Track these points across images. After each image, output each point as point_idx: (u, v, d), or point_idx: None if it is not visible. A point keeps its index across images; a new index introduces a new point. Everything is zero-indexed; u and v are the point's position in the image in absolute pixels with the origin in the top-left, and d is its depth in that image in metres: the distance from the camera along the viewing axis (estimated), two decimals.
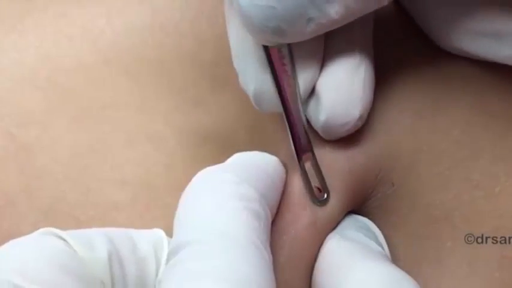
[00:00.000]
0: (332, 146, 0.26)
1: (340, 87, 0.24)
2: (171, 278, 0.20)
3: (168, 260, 0.21)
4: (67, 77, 0.28)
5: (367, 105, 0.25)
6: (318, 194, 0.26)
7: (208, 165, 0.24)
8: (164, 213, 0.26)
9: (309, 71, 0.24)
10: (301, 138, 0.25)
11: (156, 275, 0.23)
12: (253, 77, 0.24)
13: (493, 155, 0.26)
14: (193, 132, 0.27)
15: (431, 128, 0.26)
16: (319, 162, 0.26)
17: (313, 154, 0.25)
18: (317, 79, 0.24)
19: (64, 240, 0.21)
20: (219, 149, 0.27)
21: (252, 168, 0.24)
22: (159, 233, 0.24)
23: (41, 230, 0.22)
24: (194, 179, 0.24)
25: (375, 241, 0.26)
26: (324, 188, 0.26)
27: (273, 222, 0.25)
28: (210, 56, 0.28)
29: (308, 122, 0.25)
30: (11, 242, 0.21)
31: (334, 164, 0.26)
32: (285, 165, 0.26)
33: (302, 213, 0.25)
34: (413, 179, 0.26)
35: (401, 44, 0.27)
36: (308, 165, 0.26)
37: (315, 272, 0.25)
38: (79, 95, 0.27)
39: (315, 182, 0.26)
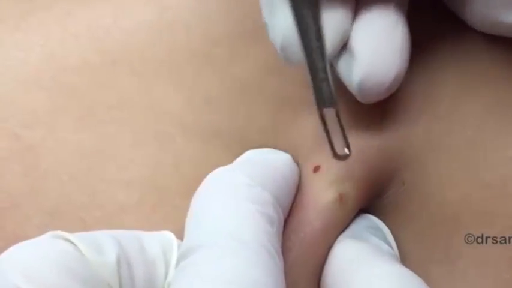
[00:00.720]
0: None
1: (379, 46, 0.22)
2: (181, 281, 0.20)
3: (178, 262, 0.21)
4: (73, 77, 0.27)
5: (404, 66, 0.23)
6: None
7: (218, 166, 0.24)
8: (172, 215, 0.26)
9: (339, 22, 0.22)
10: (323, 91, 0.23)
11: (165, 277, 0.23)
12: (281, 29, 0.23)
13: (505, 156, 0.25)
14: (202, 131, 0.27)
15: (445, 129, 0.26)
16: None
17: (337, 109, 0.23)
18: (349, 32, 0.23)
19: (72, 243, 0.21)
20: (229, 148, 0.27)
21: (266, 169, 0.24)
22: (169, 235, 0.24)
23: (50, 233, 0.22)
24: (206, 180, 0.23)
25: (384, 241, 0.26)
26: (346, 144, 0.24)
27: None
28: (220, 53, 0.27)
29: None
30: (19, 245, 0.21)
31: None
32: (297, 163, 0.26)
33: (313, 213, 0.25)
34: (423, 177, 0.26)
35: (426, 29, 0.26)
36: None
37: (324, 273, 0.25)
38: (85, 95, 0.27)
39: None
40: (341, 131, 0.24)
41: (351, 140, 0.24)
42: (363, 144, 0.26)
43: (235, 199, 0.22)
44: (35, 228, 0.26)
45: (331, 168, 0.26)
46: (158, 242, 0.23)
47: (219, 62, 0.27)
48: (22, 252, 0.21)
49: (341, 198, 0.25)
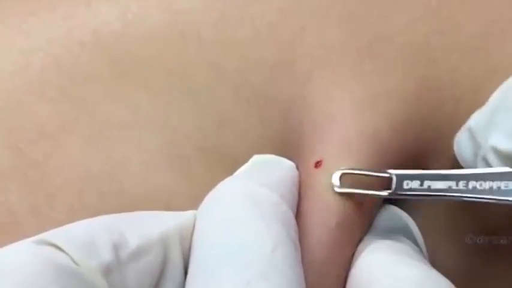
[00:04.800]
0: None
1: None
2: None
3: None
4: (81, 89, 0.25)
5: None
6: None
7: None
8: None
9: None
10: None
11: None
12: None
13: None
14: (218, 153, 0.25)
15: None
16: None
17: None
18: None
19: (61, 249, 0.19)
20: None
21: (287, 183, 0.23)
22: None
23: (34, 238, 0.20)
24: (222, 190, 0.22)
25: (410, 237, 0.25)
26: None
27: None
28: (235, 64, 0.26)
29: None
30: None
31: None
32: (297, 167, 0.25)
33: (324, 211, 0.24)
34: None
35: None
36: None
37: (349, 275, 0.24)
38: (95, 110, 0.25)
39: None
40: None
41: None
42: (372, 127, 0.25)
43: (272, 222, 0.21)
44: None
45: (333, 159, 0.24)
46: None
47: (232, 72, 0.26)
48: (4, 262, 0.19)
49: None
